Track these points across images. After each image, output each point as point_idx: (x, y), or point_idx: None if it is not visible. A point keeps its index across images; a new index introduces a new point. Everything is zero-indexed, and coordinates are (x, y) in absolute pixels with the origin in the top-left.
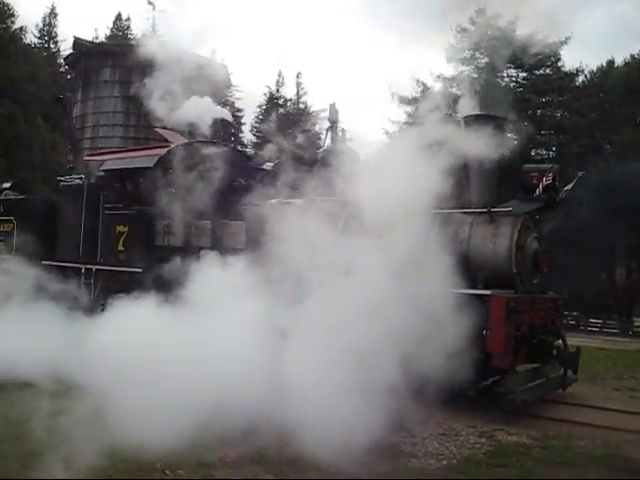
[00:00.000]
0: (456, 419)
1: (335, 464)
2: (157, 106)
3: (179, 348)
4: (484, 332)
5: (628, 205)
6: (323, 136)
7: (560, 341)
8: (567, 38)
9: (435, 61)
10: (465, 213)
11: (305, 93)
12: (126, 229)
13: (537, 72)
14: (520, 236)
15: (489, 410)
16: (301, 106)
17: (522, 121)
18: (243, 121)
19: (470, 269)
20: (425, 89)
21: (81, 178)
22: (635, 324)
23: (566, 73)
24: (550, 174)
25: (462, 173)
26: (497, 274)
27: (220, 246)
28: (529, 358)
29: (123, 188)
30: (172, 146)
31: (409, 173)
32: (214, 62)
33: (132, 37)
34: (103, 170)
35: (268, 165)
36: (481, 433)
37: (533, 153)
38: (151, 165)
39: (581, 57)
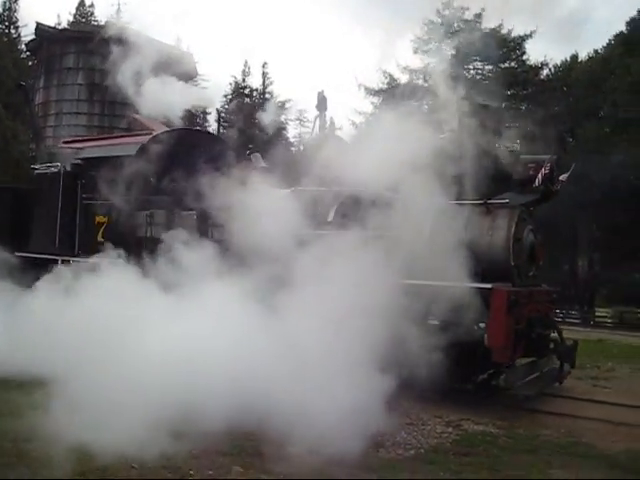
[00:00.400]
0: (423, 409)
1: (303, 455)
2: (126, 92)
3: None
4: (480, 325)
5: (592, 198)
6: (311, 125)
7: (555, 334)
8: (532, 32)
9: (402, 52)
10: (460, 205)
11: (271, 83)
12: (106, 219)
13: (502, 65)
14: (517, 228)
15: (456, 400)
16: (267, 96)
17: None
18: (209, 110)
19: (466, 261)
20: (392, 80)
21: (57, 166)
22: (596, 314)
23: (531, 66)
24: (549, 165)
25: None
26: (494, 267)
27: (206, 237)
28: (525, 352)
29: (103, 177)
30: (155, 133)
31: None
32: (180, 50)
33: (96, 23)
34: (81, 158)
35: (255, 155)
36: (448, 423)
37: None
38: (133, 153)
39: (546, 51)
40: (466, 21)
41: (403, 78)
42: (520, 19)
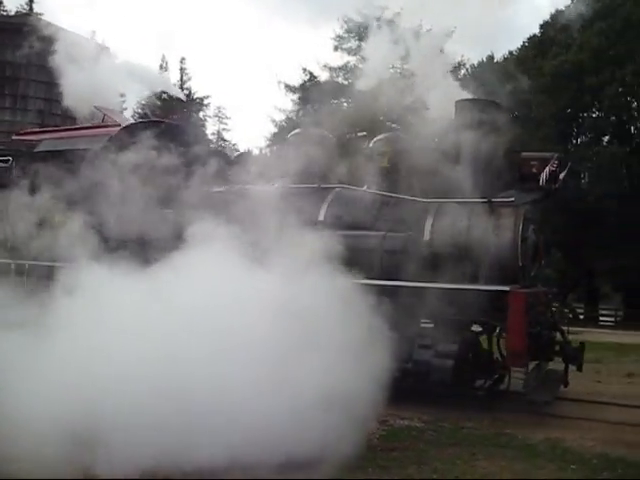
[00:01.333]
0: None
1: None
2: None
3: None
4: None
5: None
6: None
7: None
8: (451, 31)
9: (322, 50)
10: (462, 203)
11: (189, 79)
12: (65, 218)
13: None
14: (524, 228)
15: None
16: (185, 92)
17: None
18: (125, 106)
19: (470, 262)
20: (312, 78)
21: (7, 160)
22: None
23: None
24: (556, 162)
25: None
26: (500, 268)
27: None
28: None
29: (65, 172)
30: (123, 125)
31: None
32: (95, 43)
33: (5, 13)
34: (38, 151)
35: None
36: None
37: None
38: (100, 147)
39: (463, 51)
40: (386, 20)
41: (323, 75)
42: (438, 20)
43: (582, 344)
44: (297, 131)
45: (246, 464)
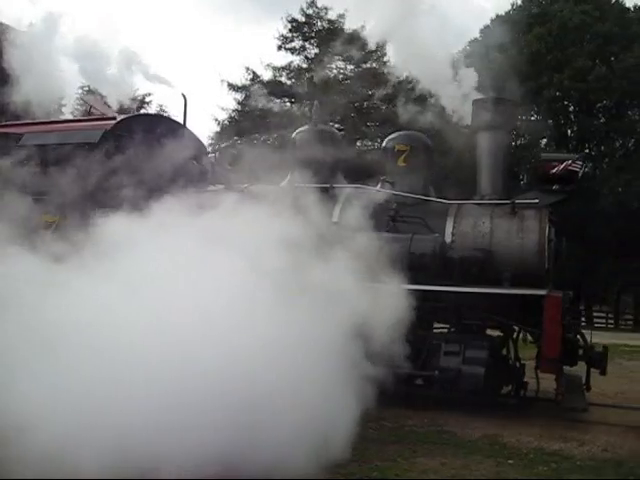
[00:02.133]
0: None
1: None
2: None
3: None
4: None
5: None
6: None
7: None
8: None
9: (266, 49)
10: (484, 204)
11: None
12: (56, 219)
13: (364, 65)
14: (549, 230)
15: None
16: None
17: (350, 112)
18: (64, 102)
19: (494, 266)
20: (255, 77)
21: None
22: None
23: (391, 67)
24: (580, 162)
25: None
26: (526, 271)
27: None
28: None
29: (52, 168)
30: (119, 118)
31: None
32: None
33: None
34: (22, 145)
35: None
36: None
37: (359, 144)
38: (95, 140)
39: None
40: (330, 21)
41: (266, 75)
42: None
43: (605, 348)
44: (303, 128)
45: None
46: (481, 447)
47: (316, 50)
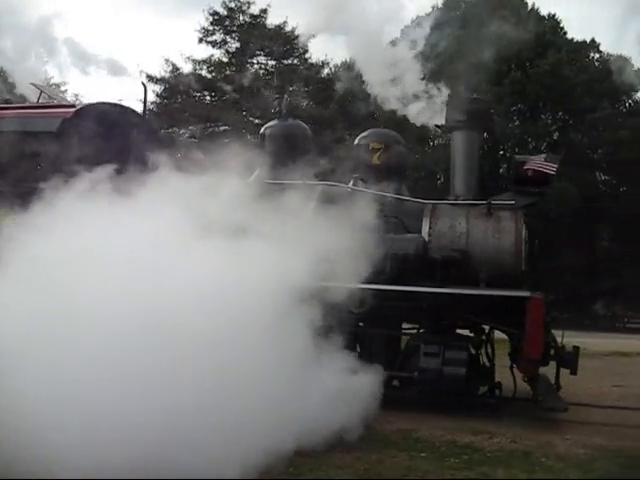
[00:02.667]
0: None
1: None
2: None
3: None
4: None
5: None
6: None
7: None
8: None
9: (187, 41)
10: (459, 205)
11: (46, 62)
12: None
13: (285, 61)
14: (525, 231)
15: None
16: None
17: (270, 107)
18: None
19: (470, 266)
20: (174, 69)
21: None
22: None
23: (312, 64)
24: (555, 164)
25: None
26: (502, 272)
27: None
28: None
29: (12, 157)
30: (80, 106)
31: None
32: None
33: None
34: None
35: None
36: None
37: None
38: (53, 130)
39: (327, 50)
40: (252, 16)
41: (186, 67)
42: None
43: (576, 348)
44: (273, 123)
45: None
46: (395, 441)
47: (237, 44)
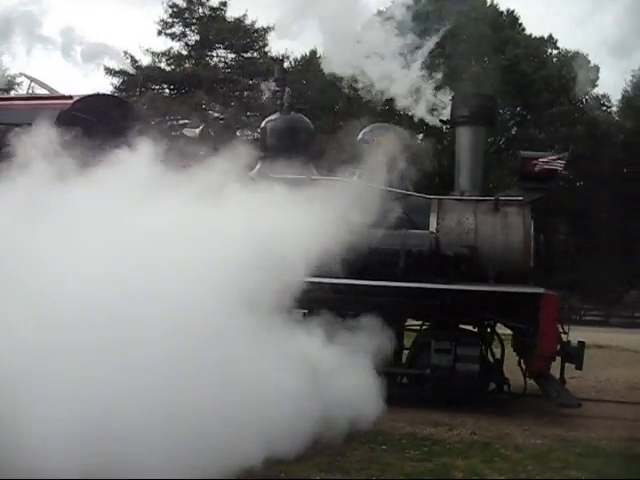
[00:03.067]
0: None
1: None
2: None
3: None
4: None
5: None
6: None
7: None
8: (275, 25)
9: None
10: (466, 200)
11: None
12: None
13: (245, 55)
14: (533, 227)
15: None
16: None
17: (230, 101)
18: None
19: (479, 263)
20: (133, 62)
21: None
22: None
23: (272, 58)
24: (562, 161)
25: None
26: (511, 268)
27: None
28: None
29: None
30: (77, 97)
31: None
32: None
33: None
34: None
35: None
36: None
37: (239, 133)
38: (52, 121)
39: (287, 44)
40: (211, 8)
41: (145, 60)
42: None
43: (582, 342)
44: (274, 116)
45: None
46: (355, 435)
47: (197, 37)
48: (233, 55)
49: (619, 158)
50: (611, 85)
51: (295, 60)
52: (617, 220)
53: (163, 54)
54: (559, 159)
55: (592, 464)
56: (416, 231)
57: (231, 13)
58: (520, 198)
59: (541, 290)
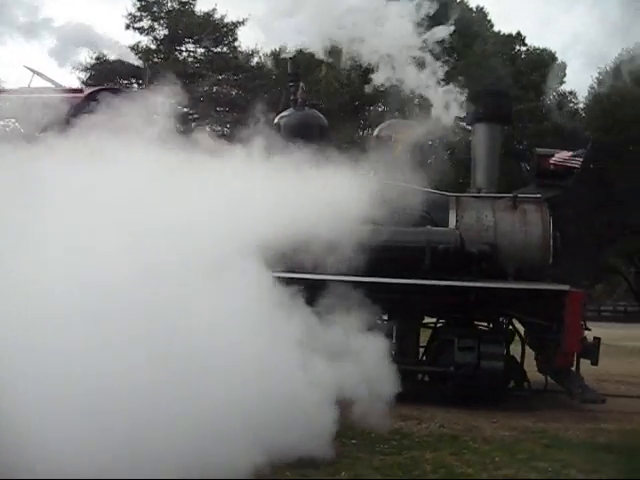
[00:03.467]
0: None
1: None
2: None
3: None
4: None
5: None
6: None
7: None
8: (244, 19)
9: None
10: (483, 197)
11: None
12: None
13: (215, 49)
14: (551, 224)
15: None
16: None
17: (199, 96)
18: None
19: (499, 259)
20: (101, 56)
21: None
22: None
23: (242, 53)
24: (580, 158)
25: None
26: (530, 265)
27: None
28: None
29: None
30: (88, 91)
31: None
32: None
33: None
34: None
35: None
36: None
37: (208, 129)
38: (64, 117)
39: (257, 39)
40: (180, 2)
41: (112, 54)
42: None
43: (597, 339)
44: (287, 112)
45: None
46: None
47: (165, 31)
48: (202, 50)
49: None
50: (579, 82)
51: (265, 55)
52: (585, 215)
53: (131, 48)
54: (576, 156)
55: (558, 454)
56: (441, 228)
57: (200, 7)
58: (538, 195)
59: (567, 287)
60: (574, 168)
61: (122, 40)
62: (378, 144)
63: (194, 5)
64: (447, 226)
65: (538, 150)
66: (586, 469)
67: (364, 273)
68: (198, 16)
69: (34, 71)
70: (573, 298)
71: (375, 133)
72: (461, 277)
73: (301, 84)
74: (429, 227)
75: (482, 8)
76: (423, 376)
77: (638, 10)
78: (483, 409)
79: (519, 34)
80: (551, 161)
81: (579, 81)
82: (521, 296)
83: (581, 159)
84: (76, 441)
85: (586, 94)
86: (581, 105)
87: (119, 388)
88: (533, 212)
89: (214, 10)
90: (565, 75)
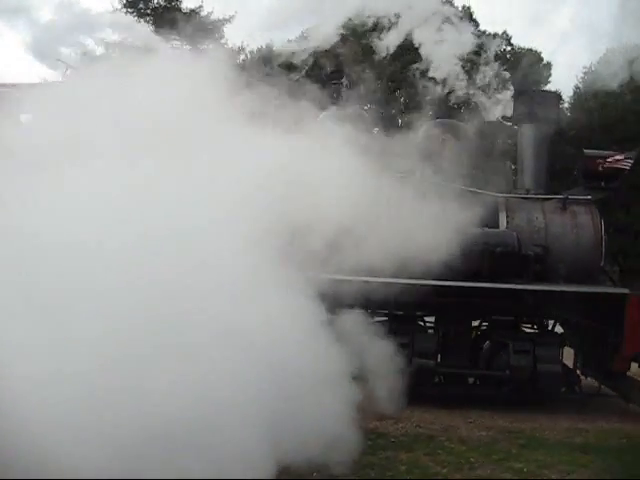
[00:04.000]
0: None
1: None
2: None
3: None
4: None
5: None
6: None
7: None
8: (231, 17)
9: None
10: (532, 199)
11: None
12: None
13: (201, 46)
14: (602, 226)
15: None
16: None
17: None
18: None
19: (550, 261)
20: (86, 52)
21: None
22: None
23: (229, 50)
24: (630, 160)
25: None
26: (581, 267)
27: None
28: None
29: None
30: None
31: None
32: None
33: None
34: None
35: None
36: None
37: None
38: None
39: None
40: None
41: (98, 51)
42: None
43: None
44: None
45: None
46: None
47: (151, 27)
48: (189, 47)
49: (570, 153)
50: (564, 81)
51: (251, 52)
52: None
53: (117, 44)
54: (627, 158)
55: (534, 455)
56: (499, 230)
57: (186, 4)
58: (588, 197)
59: (627, 291)
60: (624, 170)
61: (107, 36)
62: (427, 143)
63: (180, 2)
64: (498, 228)
65: (586, 152)
66: (562, 470)
67: (421, 276)
68: (184, 13)
69: (68, 64)
70: (633, 302)
71: (421, 133)
72: (513, 280)
73: (345, 81)
74: (486, 229)
75: (469, 7)
76: (475, 380)
77: (624, 10)
78: (459, 409)
79: (505, 33)
80: (601, 162)
81: (565, 81)
82: (577, 299)
83: (632, 161)
84: (76, 441)
85: (571, 94)
86: (566, 105)
87: (125, 386)
88: (583, 214)
89: (200, 7)
90: (551, 75)
